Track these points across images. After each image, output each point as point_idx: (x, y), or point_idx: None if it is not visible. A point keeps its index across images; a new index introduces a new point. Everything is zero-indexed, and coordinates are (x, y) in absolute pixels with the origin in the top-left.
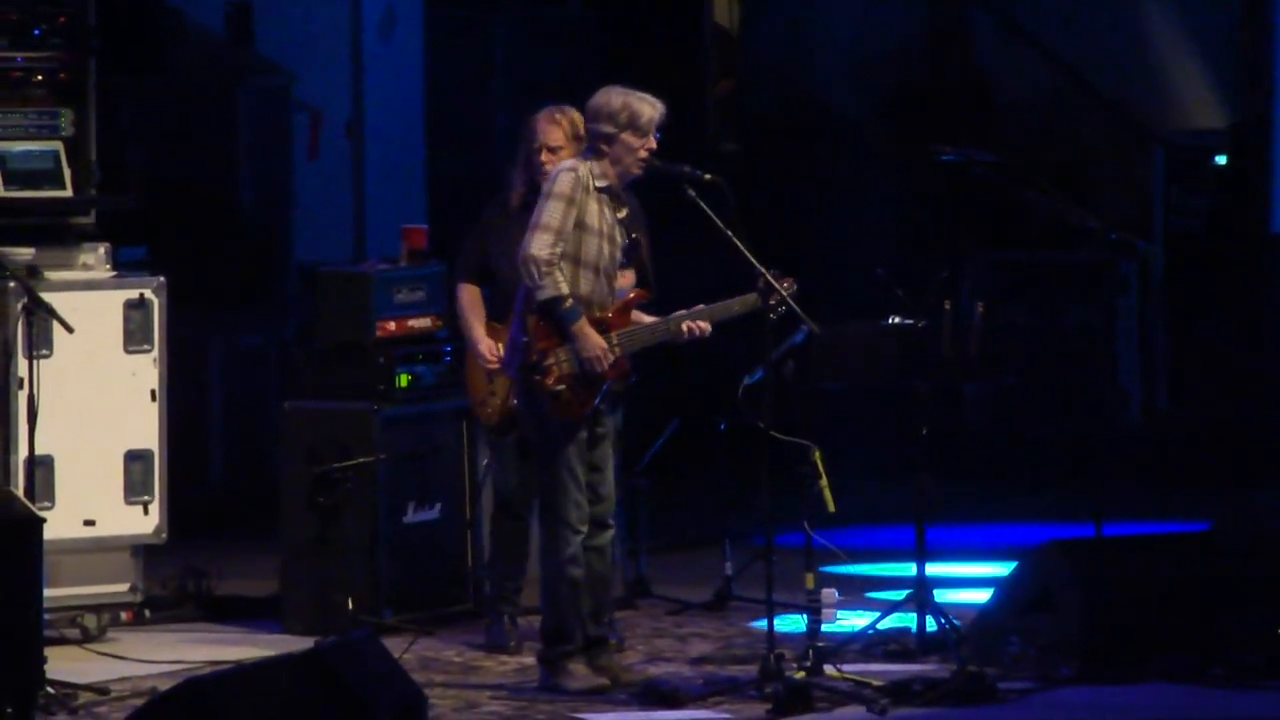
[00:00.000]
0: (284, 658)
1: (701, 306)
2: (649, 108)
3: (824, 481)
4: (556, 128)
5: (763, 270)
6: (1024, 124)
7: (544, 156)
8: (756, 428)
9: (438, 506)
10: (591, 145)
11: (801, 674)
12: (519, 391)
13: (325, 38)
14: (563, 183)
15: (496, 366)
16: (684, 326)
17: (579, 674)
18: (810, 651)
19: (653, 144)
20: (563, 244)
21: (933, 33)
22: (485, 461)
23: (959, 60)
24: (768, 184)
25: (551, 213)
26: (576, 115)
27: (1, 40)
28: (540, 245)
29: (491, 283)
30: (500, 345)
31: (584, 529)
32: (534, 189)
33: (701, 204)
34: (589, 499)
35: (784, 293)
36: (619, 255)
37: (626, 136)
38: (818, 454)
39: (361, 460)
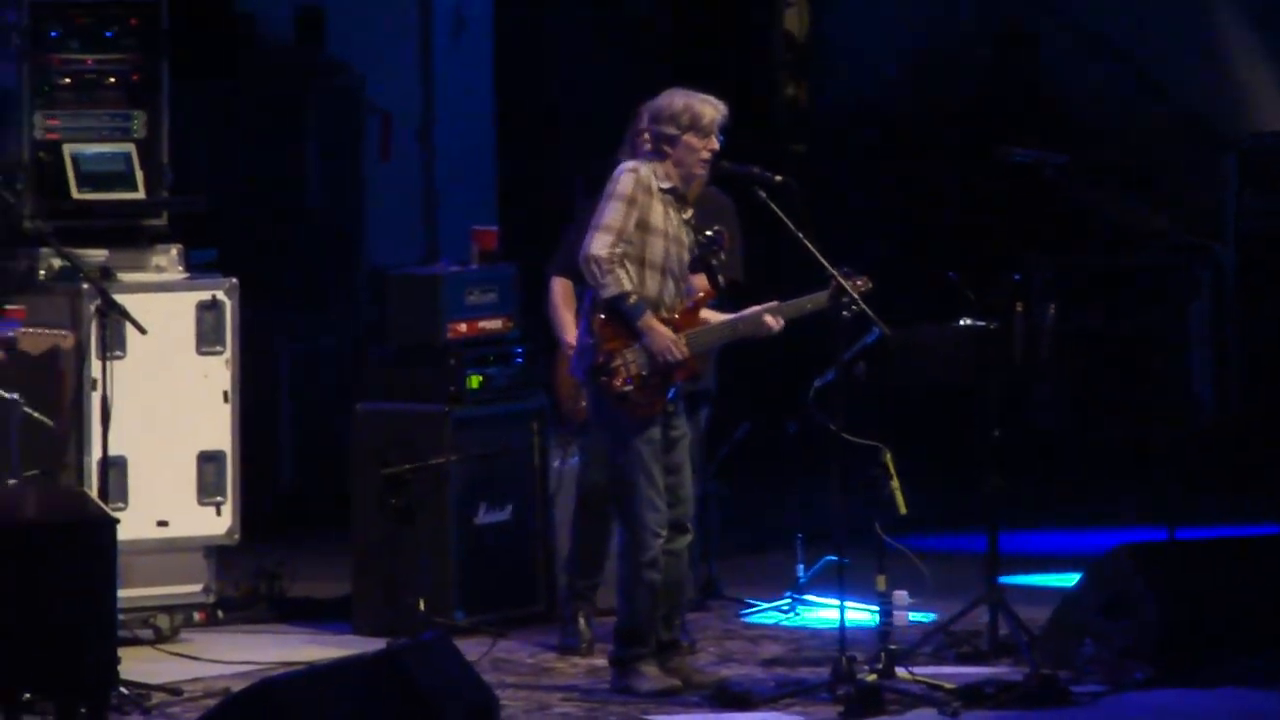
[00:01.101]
0: (356, 659)
1: (774, 303)
2: (710, 109)
3: (895, 483)
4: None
5: (833, 271)
6: (1093, 127)
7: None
8: (828, 429)
9: (509, 508)
10: (655, 147)
11: (873, 676)
12: (588, 393)
13: (395, 40)
14: (623, 183)
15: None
16: (754, 323)
17: (651, 676)
18: (882, 653)
19: (714, 145)
20: (624, 244)
21: (1000, 35)
22: (557, 463)
23: (1026, 63)
24: (836, 185)
25: (612, 213)
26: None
27: (74, 43)
28: (600, 245)
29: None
30: None
31: (663, 533)
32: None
33: (772, 205)
34: (668, 502)
35: (855, 293)
36: (686, 256)
37: (688, 138)
38: (888, 456)
39: (433, 462)
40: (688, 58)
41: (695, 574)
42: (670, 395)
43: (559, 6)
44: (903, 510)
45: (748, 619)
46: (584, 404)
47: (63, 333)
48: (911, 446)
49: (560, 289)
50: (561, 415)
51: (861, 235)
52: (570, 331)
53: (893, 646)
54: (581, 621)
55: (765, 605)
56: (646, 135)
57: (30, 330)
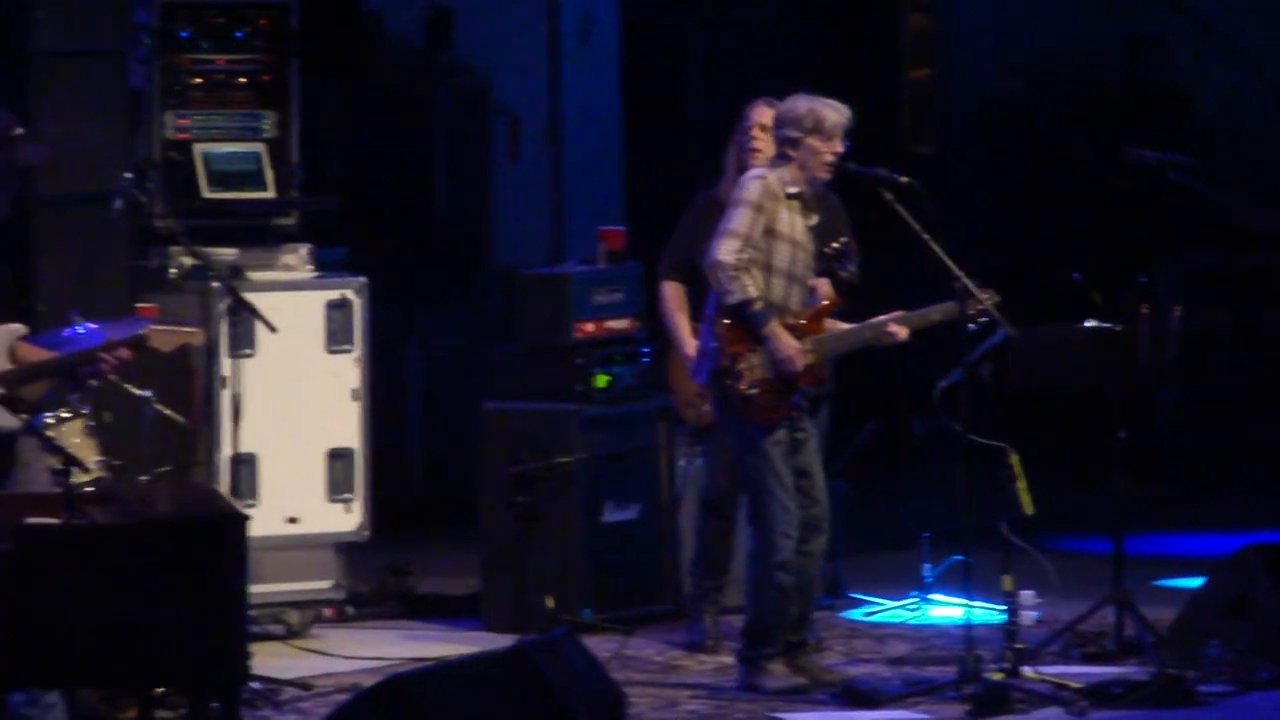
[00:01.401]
0: (485, 655)
1: (900, 313)
2: (834, 113)
3: (1021, 484)
4: (770, 108)
5: (960, 275)
6: (1222, 128)
7: (755, 133)
8: (953, 430)
9: (636, 506)
10: (780, 152)
11: (1000, 675)
12: (712, 398)
13: (523, 41)
14: (750, 190)
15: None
16: (880, 332)
17: (778, 674)
18: (1008, 653)
19: (839, 148)
20: (751, 250)
21: (1130, 35)
22: (683, 462)
23: (1154, 64)
24: (962, 187)
25: (739, 219)
26: None
27: (205, 43)
28: (727, 250)
29: (697, 280)
30: None
31: (794, 534)
32: (744, 169)
33: (899, 208)
34: (801, 503)
35: (982, 299)
36: (812, 262)
37: (812, 140)
38: (1014, 457)
39: (560, 460)
40: (813, 59)
41: (823, 573)
42: (796, 399)
43: (686, 6)
44: (1029, 511)
45: (874, 618)
46: (705, 407)
47: (192, 329)
48: (1037, 448)
49: (672, 292)
50: (681, 418)
51: (987, 236)
52: (686, 335)
53: (1019, 646)
54: (709, 619)
55: (891, 604)
56: (756, 138)
57: (160, 328)
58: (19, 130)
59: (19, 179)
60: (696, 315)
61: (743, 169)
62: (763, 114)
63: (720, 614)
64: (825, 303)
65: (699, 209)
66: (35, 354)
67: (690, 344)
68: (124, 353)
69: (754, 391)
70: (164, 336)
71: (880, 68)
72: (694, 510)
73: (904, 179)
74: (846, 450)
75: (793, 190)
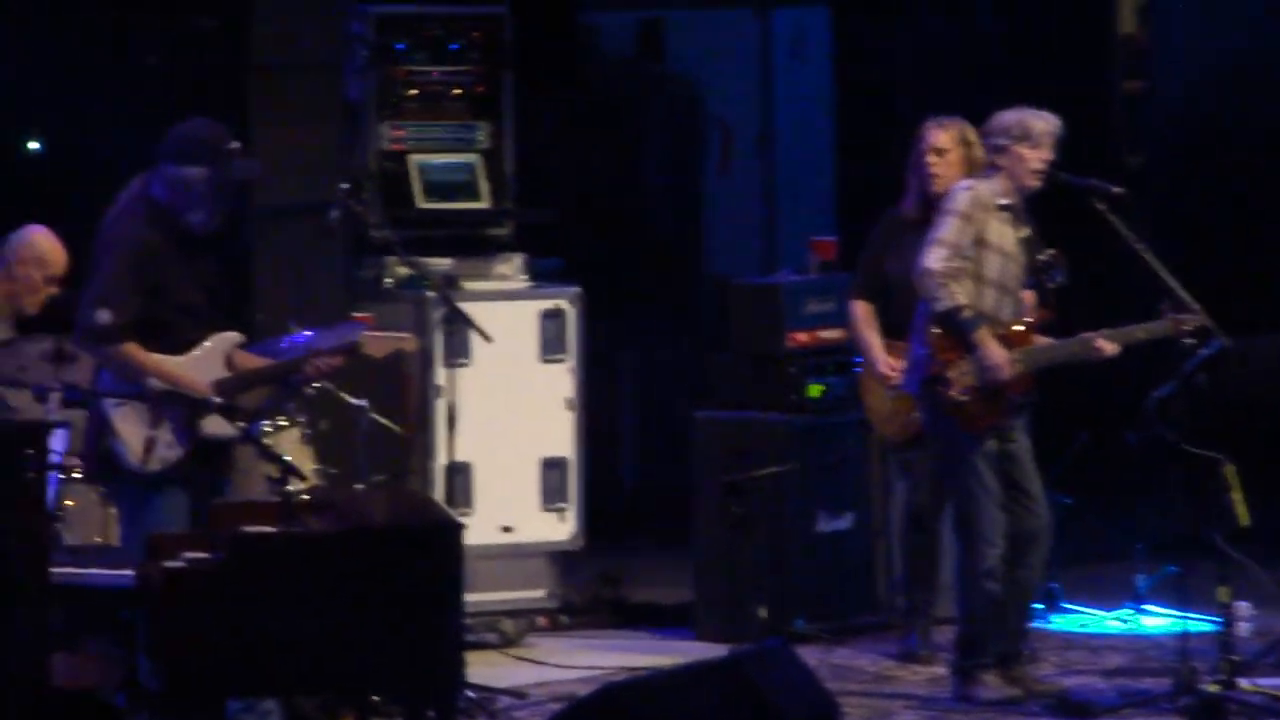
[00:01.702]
0: (699, 665)
1: (1109, 330)
2: (1041, 122)
3: (1236, 495)
4: (943, 131)
5: (1173, 286)
6: None
7: (931, 158)
8: (1168, 441)
9: (849, 516)
10: (989, 162)
11: (1215, 687)
12: (922, 406)
13: (735, 52)
14: (959, 200)
15: (897, 383)
16: (1089, 346)
17: (992, 685)
18: (1224, 664)
19: (1047, 155)
20: (960, 259)
21: None
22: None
23: None
24: (1172, 197)
25: (947, 228)
26: (965, 125)
27: (420, 55)
28: (935, 259)
29: (886, 298)
30: (901, 363)
31: (1001, 543)
32: (925, 198)
33: (1112, 218)
34: (1020, 516)
35: (1192, 313)
36: (1023, 274)
37: (1019, 148)
38: (1229, 468)
39: (773, 470)
40: (1025, 68)
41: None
42: (1005, 408)
43: (898, 19)
44: (1244, 522)
45: (1088, 629)
46: (902, 420)
47: (405, 335)
48: (1253, 458)
49: (860, 311)
50: (876, 435)
51: (1197, 246)
52: (878, 352)
53: (1235, 658)
54: (921, 630)
55: (1106, 615)
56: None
57: (374, 334)
58: (233, 144)
59: (232, 193)
60: (889, 332)
61: (923, 191)
62: (936, 137)
63: (933, 624)
64: (1037, 315)
65: (885, 228)
66: (252, 362)
67: (883, 360)
68: (335, 359)
69: (964, 399)
70: (377, 343)
71: (1091, 76)
72: (898, 526)
73: (1117, 189)
74: (1060, 461)
75: (1003, 201)
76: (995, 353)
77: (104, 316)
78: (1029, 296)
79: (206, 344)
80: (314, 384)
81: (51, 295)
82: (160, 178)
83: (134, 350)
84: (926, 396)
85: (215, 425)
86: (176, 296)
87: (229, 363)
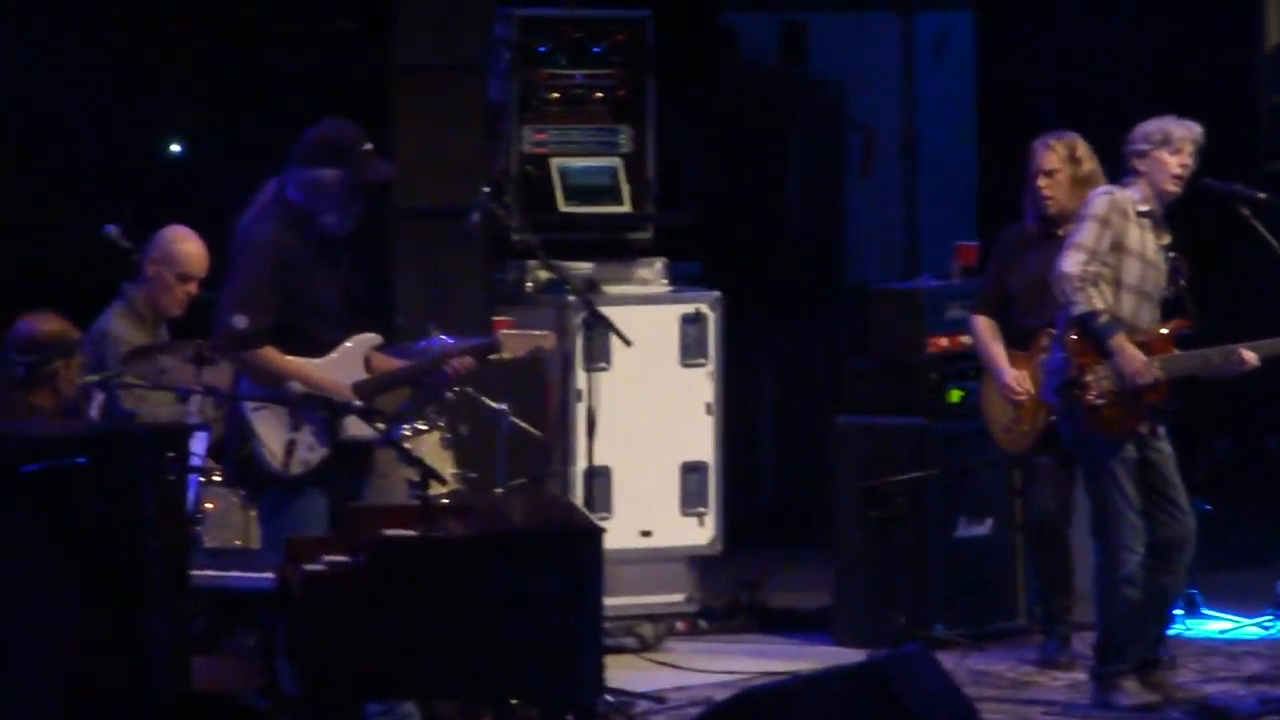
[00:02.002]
0: (838, 670)
1: (1253, 343)
2: (1182, 128)
3: None
4: (1051, 152)
5: None
6: None
7: (1041, 181)
8: None
9: (988, 522)
10: (1130, 168)
11: None
12: (1061, 411)
13: (877, 55)
14: (1097, 205)
15: (1023, 399)
16: (1229, 357)
17: (1131, 691)
18: None
19: (1187, 160)
20: (1097, 264)
21: None
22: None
23: None
24: None
25: (1085, 233)
26: (1075, 140)
27: (562, 58)
28: (1072, 263)
29: (1008, 312)
30: (1024, 375)
31: (1140, 549)
32: (1041, 217)
33: (1256, 224)
34: (1164, 522)
35: None
36: (1163, 281)
37: (1159, 153)
38: None
39: (913, 475)
40: (1168, 73)
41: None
42: (1143, 414)
43: (1041, 20)
44: None
45: (1229, 635)
46: (1021, 433)
47: (544, 333)
48: None
49: (983, 325)
50: (998, 445)
51: None
52: (1002, 363)
53: None
54: (1060, 635)
55: (1246, 622)
56: (1043, 186)
57: (512, 332)
58: (367, 146)
59: (367, 195)
60: (1011, 343)
61: (1038, 210)
62: (1044, 159)
63: (1073, 630)
64: (1176, 324)
65: (1008, 243)
66: (389, 364)
67: (1009, 371)
68: (468, 360)
69: (1101, 402)
70: (515, 341)
71: (1236, 84)
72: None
73: (1262, 195)
74: (1201, 467)
75: (1143, 208)
76: (1133, 357)
77: (240, 322)
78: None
79: (345, 346)
80: (453, 387)
81: (190, 295)
82: (294, 180)
83: (271, 354)
84: (1065, 401)
85: (355, 427)
86: (313, 299)
87: (368, 364)
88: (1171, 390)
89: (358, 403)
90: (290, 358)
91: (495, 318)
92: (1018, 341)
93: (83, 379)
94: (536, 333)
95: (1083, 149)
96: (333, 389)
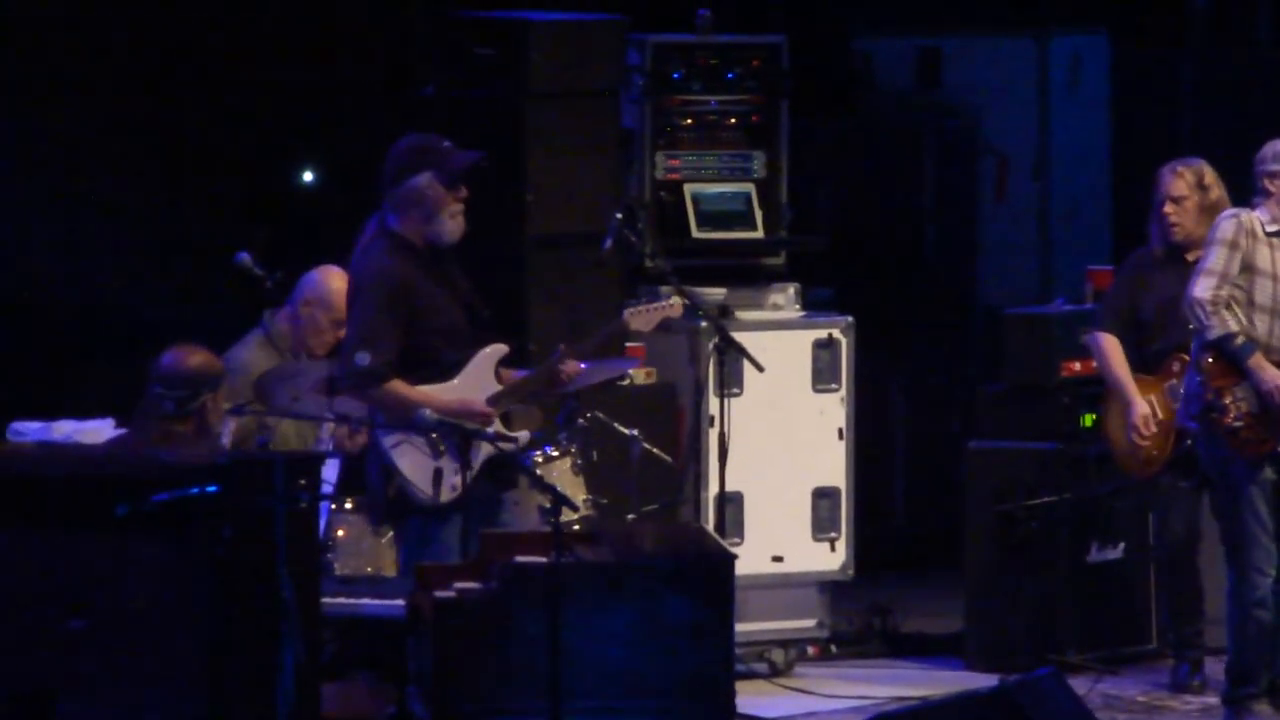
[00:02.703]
0: (969, 694)
1: None
2: None
3: None
4: (1179, 179)
5: None
6: None
7: (1168, 208)
8: None
9: (1121, 546)
10: (1260, 187)
11: None
12: (1200, 435)
13: (1012, 81)
14: (1224, 229)
15: (1147, 444)
16: None
17: (1264, 714)
18: None
19: None
20: (1228, 288)
21: None
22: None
23: None
24: None
25: (1214, 257)
26: (1202, 167)
27: (696, 84)
28: (1203, 288)
29: (1136, 337)
30: (1150, 416)
31: (1272, 572)
32: (1168, 243)
33: None
34: None
35: None
36: None
37: None
38: None
39: (1047, 500)
40: None
41: None
42: None
43: (1178, 47)
44: None
45: None
46: (1143, 458)
47: (669, 303)
48: None
49: (1108, 344)
50: (1122, 469)
51: None
52: (1130, 389)
53: None
54: (1192, 660)
55: None
56: (1170, 213)
57: (636, 309)
58: (445, 143)
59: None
60: (1138, 367)
61: (1165, 237)
62: (1172, 186)
63: (1205, 654)
64: None
65: (1134, 264)
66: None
67: (1138, 399)
68: (573, 366)
69: (1240, 424)
70: (642, 317)
71: None
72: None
73: None
74: None
75: (1273, 228)
76: (1272, 376)
77: (364, 359)
78: None
79: (473, 362)
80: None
81: (340, 336)
82: (391, 204)
83: (400, 387)
84: (1203, 425)
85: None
86: (435, 321)
87: (498, 376)
88: None
89: (490, 429)
90: (420, 387)
91: (628, 344)
92: (1146, 366)
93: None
94: (662, 304)
95: (1210, 175)
96: (464, 409)
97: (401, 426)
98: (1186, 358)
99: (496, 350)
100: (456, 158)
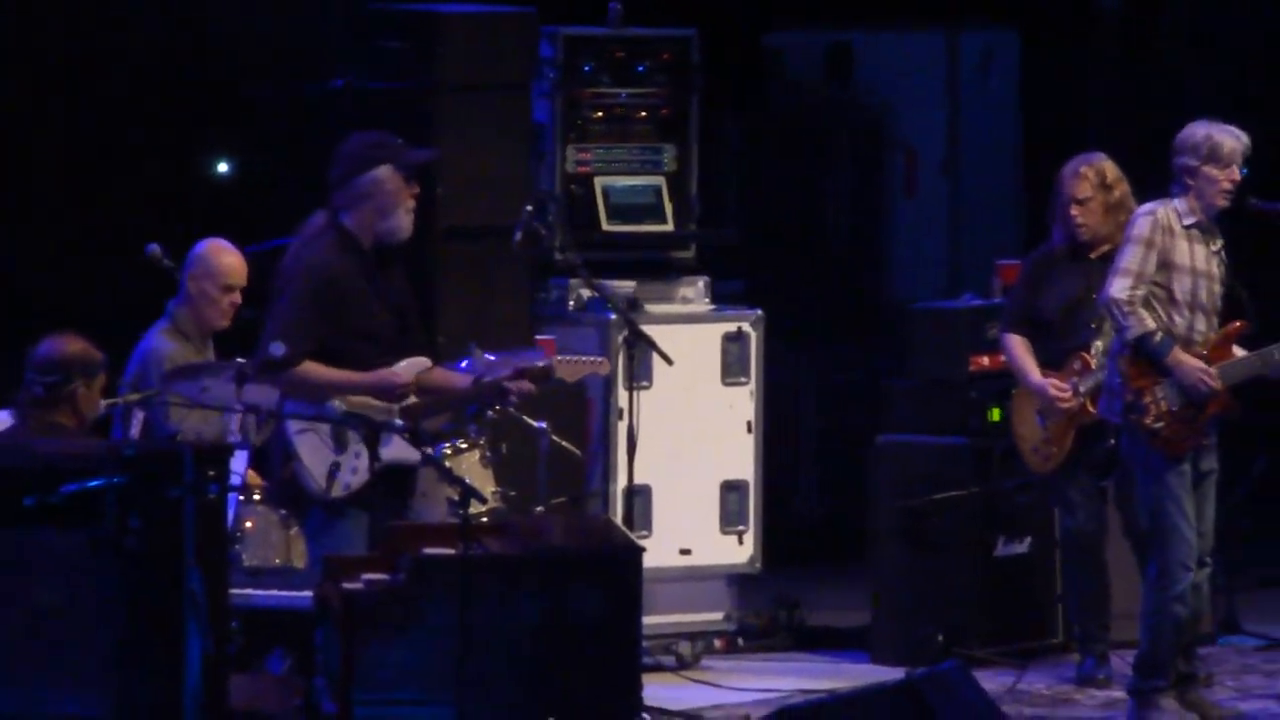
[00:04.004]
0: (876, 688)
1: None
2: (1230, 139)
3: None
4: (1082, 180)
5: None
6: None
7: (1074, 210)
8: None
9: (1027, 540)
10: (1177, 180)
11: None
12: (1122, 433)
13: (922, 75)
14: (1140, 226)
15: (1071, 403)
16: (1277, 357)
17: (1169, 708)
18: None
19: (1235, 175)
20: (1144, 286)
21: None
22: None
23: None
24: None
25: (1130, 256)
26: (1104, 165)
27: (607, 77)
28: (1119, 288)
29: (1040, 335)
30: (1063, 382)
31: (1194, 566)
32: (1074, 242)
33: None
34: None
35: None
36: (1217, 288)
37: (1208, 169)
38: None
39: (953, 494)
40: (1216, 94)
41: (1214, 608)
42: (1202, 430)
43: (1086, 41)
44: None
45: (1266, 653)
46: (1050, 453)
47: (599, 359)
48: None
49: (1015, 344)
50: (1026, 463)
51: None
52: (1035, 376)
53: None
54: (1098, 654)
55: None
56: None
57: (565, 358)
58: (399, 140)
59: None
60: (1044, 363)
61: (1071, 235)
62: (1075, 188)
63: (1110, 648)
64: (1231, 327)
65: (1036, 262)
66: (447, 382)
67: (1048, 383)
68: (527, 385)
69: (1159, 425)
70: (569, 367)
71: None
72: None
73: None
74: (1241, 484)
75: (1190, 221)
76: (1192, 369)
77: (278, 350)
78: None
79: (394, 369)
80: (506, 408)
81: (235, 305)
82: (345, 197)
83: (314, 367)
84: (1125, 424)
85: (396, 451)
86: (361, 324)
87: (419, 388)
88: (1232, 400)
89: (398, 421)
90: (334, 369)
91: (538, 336)
92: (1051, 363)
93: (107, 400)
94: (591, 359)
95: (1112, 172)
96: (381, 383)
97: (308, 414)
98: (1088, 356)
99: (417, 363)
100: (413, 152)
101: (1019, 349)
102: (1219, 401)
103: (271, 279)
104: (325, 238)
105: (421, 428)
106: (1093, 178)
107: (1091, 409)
